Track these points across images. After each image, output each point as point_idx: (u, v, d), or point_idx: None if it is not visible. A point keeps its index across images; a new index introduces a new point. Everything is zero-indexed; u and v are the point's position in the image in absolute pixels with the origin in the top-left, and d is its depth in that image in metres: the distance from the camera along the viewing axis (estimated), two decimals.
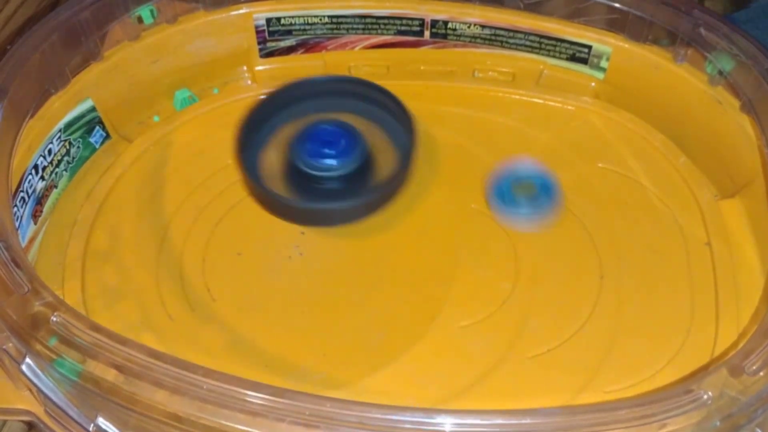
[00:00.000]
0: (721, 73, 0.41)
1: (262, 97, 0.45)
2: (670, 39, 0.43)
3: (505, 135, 0.45)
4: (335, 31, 0.48)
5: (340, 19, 0.47)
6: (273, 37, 0.48)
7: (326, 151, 0.41)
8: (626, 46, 0.45)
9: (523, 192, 0.41)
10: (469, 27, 0.47)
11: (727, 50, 0.40)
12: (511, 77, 0.48)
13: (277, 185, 0.41)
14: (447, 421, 0.26)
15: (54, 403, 0.29)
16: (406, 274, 0.39)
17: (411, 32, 0.48)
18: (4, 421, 0.36)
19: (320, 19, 0.47)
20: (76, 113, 0.42)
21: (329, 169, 0.41)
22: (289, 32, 0.48)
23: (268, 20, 0.47)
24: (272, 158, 0.43)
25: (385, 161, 0.43)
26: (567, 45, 0.46)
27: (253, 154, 0.43)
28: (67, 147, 0.42)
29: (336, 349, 0.36)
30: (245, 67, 0.49)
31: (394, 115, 0.44)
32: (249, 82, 0.49)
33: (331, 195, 0.41)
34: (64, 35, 0.41)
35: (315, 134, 0.42)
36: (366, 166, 0.42)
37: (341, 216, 0.41)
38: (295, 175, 0.41)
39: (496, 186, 0.42)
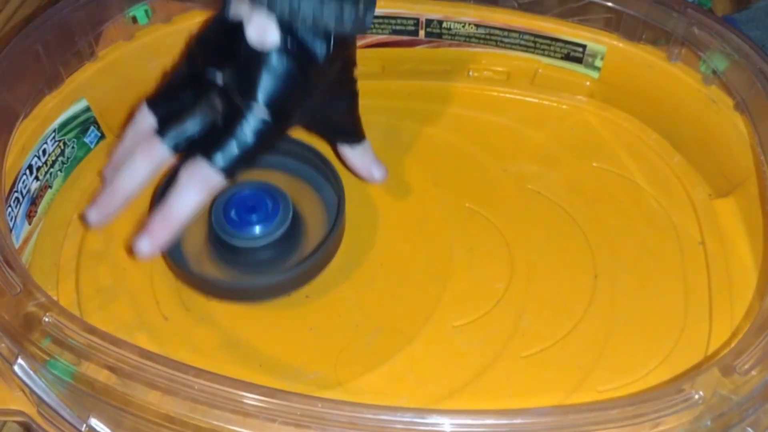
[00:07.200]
0: (714, 72, 0.41)
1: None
2: (665, 38, 0.43)
3: (500, 134, 0.45)
4: None
5: None
6: None
7: (250, 218, 0.38)
8: (621, 45, 0.44)
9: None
10: (463, 26, 0.47)
11: (721, 49, 0.40)
12: (505, 76, 0.48)
13: (205, 261, 0.39)
14: (438, 421, 0.26)
15: (46, 403, 0.29)
16: (400, 274, 0.39)
17: (406, 31, 0.48)
18: (4, 422, 0.36)
19: None
20: (71, 113, 0.42)
21: (256, 238, 0.38)
22: None
23: None
24: (195, 232, 0.40)
25: (313, 212, 0.41)
26: (562, 44, 0.46)
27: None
28: (62, 147, 0.42)
29: (330, 348, 0.36)
30: None
31: (315, 166, 0.42)
32: None
33: (262, 265, 0.39)
34: (58, 35, 0.41)
35: (235, 202, 0.39)
36: (294, 227, 0.39)
37: (273, 290, 0.38)
38: (222, 249, 0.39)
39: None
